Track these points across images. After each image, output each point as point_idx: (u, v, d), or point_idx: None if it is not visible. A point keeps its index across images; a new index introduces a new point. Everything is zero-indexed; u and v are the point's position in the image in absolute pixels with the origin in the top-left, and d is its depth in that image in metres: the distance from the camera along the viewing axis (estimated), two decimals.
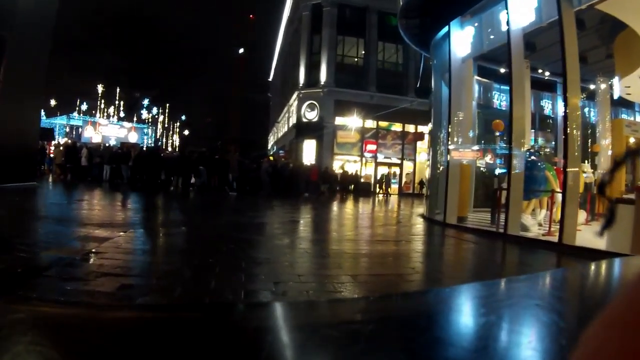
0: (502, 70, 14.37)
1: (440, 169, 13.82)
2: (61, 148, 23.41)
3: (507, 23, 10.48)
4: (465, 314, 1.74)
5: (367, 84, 38.13)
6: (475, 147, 13.81)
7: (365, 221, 13.67)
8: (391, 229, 11.83)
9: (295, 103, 40.31)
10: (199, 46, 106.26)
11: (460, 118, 12.87)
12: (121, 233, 7.04)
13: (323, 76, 37.87)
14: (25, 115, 15.16)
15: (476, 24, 12.44)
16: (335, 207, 19.19)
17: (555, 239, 8.98)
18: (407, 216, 16.00)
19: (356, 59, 39.82)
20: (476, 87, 15.01)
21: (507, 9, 10.46)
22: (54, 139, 34.93)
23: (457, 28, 12.88)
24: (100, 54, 70.73)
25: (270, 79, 76.04)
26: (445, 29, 13.16)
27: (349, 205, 20.78)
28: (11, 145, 13.67)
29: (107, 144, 34.08)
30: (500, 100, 16.57)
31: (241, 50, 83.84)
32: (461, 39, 12.71)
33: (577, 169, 9.11)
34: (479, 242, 9.70)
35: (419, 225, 12.69)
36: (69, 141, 29.55)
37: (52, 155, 26.24)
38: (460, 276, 6.07)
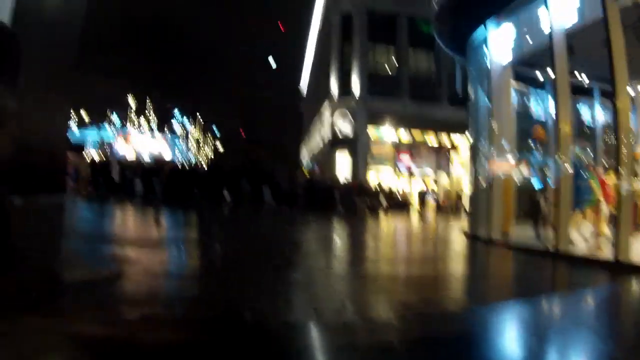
0: (539, 74, 13.61)
1: (482, 182, 13.07)
2: (88, 162, 23.30)
3: (549, 24, 9.73)
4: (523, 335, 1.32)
5: (400, 92, 37.34)
6: (517, 158, 12.99)
7: (406, 238, 13.08)
8: (434, 247, 11.16)
9: (328, 114, 39.75)
10: (229, 54, 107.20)
11: (501, 127, 12.09)
12: (150, 251, 6.59)
13: (355, 85, 37.26)
14: (52, 123, 14.90)
15: (514, 25, 11.67)
16: (373, 223, 18.55)
17: (607, 255, 8.29)
18: (448, 233, 15.31)
19: (388, 68, 39.10)
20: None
21: (547, 8, 9.72)
22: (84, 152, 35.02)
23: (494, 28, 12.14)
24: (130, 62, 71.63)
25: (301, 89, 75.74)
26: (482, 31, 12.44)
27: (388, 221, 20.13)
28: (37, 154, 13.40)
29: (140, 161, 34.09)
30: (537, 106, 15.63)
31: (272, 61, 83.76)
32: (499, 42, 11.95)
33: (630, 179, 8.29)
34: (528, 261, 9.01)
35: (462, 243, 12.00)
36: (100, 156, 29.57)
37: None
38: (516, 298, 5.59)
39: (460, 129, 35.17)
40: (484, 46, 12.68)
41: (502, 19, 11.97)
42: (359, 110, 36.73)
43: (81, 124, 59.75)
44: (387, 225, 18.11)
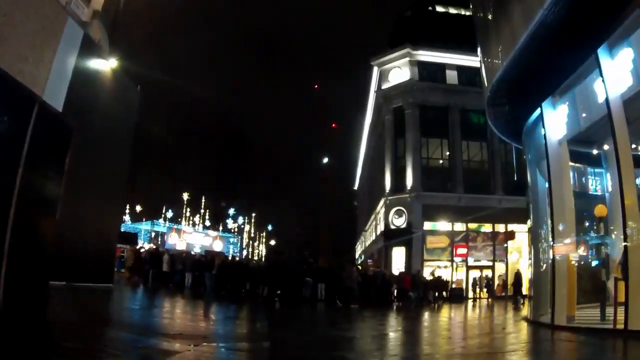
0: (595, 152, 13.01)
1: (544, 266, 12.22)
2: (132, 252, 23.47)
3: (605, 93, 9.27)
4: None
5: (454, 185, 36.85)
6: (578, 238, 12.09)
7: (466, 330, 12.12)
8: (496, 337, 10.24)
9: (382, 210, 39.54)
10: (286, 157, 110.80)
11: (561, 208, 11.37)
12: (193, 347, 6.16)
13: (409, 180, 37.03)
14: (106, 215, 15.22)
15: (569, 103, 11.22)
16: (430, 316, 17.53)
17: None
18: (509, 321, 14.20)
19: (441, 161, 38.98)
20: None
21: (602, 76, 9.28)
22: (136, 244, 35.59)
23: (549, 109, 11.74)
24: (188, 162, 74.24)
25: (355, 188, 76.28)
26: (537, 112, 12.06)
27: (445, 313, 19.00)
28: (89, 245, 13.57)
29: (191, 252, 34.34)
30: (595, 184, 14.77)
31: (326, 160, 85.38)
32: (555, 121, 11.47)
33: None
34: (599, 344, 8.03)
35: (525, 331, 10.98)
36: (152, 246, 29.90)
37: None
38: None
39: (515, 217, 34.36)
40: (539, 128, 12.27)
41: (557, 99, 11.61)
42: (413, 204, 36.31)
43: (136, 218, 61.41)
44: (446, 317, 17.03)
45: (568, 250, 11.08)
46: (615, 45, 9.25)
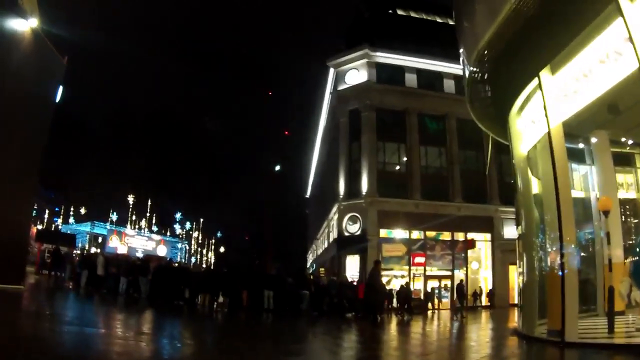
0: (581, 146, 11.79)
1: (536, 274, 10.79)
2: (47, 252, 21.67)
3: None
4: None
5: (412, 191, 35.62)
6: (577, 242, 10.67)
7: (451, 348, 10.51)
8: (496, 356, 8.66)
9: (336, 216, 37.94)
10: (234, 158, 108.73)
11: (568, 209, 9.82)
12: None
13: (364, 185, 35.63)
14: (10, 200, 12.77)
15: (571, 72, 9.60)
16: (398, 330, 15.89)
17: None
18: (494, 336, 12.70)
19: (398, 166, 37.86)
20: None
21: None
22: (74, 246, 33.65)
23: (548, 83, 9.99)
24: (132, 161, 71.92)
25: (307, 196, 74.76)
26: (528, 89, 10.56)
27: (414, 327, 17.46)
28: None
29: (129, 255, 32.05)
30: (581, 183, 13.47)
31: (277, 167, 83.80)
32: (555, 96, 9.76)
33: None
34: None
35: (526, 350, 9.43)
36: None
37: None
38: None
39: (475, 225, 34.30)
40: (533, 107, 10.85)
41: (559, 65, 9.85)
42: (368, 211, 34.92)
43: (80, 220, 58.90)
44: (416, 331, 15.44)
45: (566, 255, 9.50)
46: None
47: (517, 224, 12.95)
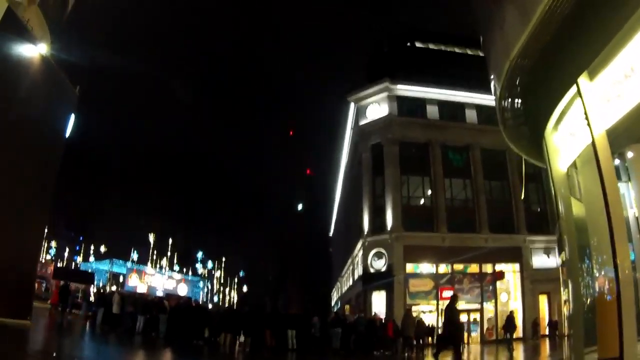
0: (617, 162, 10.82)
1: (587, 301, 9.86)
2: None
3: None
4: None
5: (438, 224, 34.74)
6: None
7: None
8: None
9: (361, 252, 37.20)
10: (257, 198, 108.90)
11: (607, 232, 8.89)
12: None
13: (389, 220, 34.87)
14: (18, 233, 12.27)
15: (608, 82, 8.74)
16: None
17: None
18: None
19: (423, 200, 37.05)
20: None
21: None
22: (92, 283, 33.36)
23: (588, 89, 9.06)
24: (154, 199, 72.48)
25: (330, 234, 73.88)
26: (566, 99, 9.77)
27: None
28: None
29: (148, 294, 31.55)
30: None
31: (300, 207, 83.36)
32: (594, 103, 8.88)
33: None
34: None
35: None
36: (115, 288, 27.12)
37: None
38: None
39: (502, 256, 33.54)
40: (570, 119, 10.08)
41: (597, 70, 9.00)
42: (394, 246, 34.07)
43: (100, 258, 58.98)
44: None
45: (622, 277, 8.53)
46: None
47: (560, 251, 12.06)
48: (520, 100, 11.40)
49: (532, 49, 8.99)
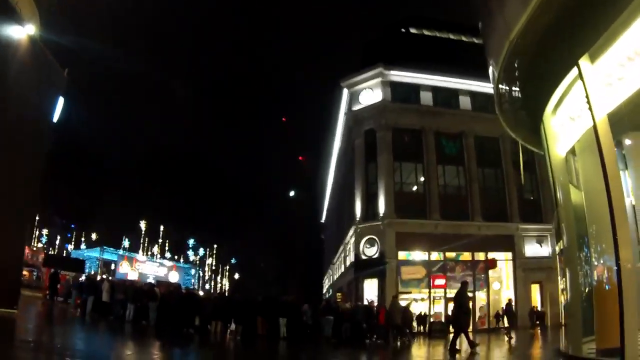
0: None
1: (585, 290, 9.70)
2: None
3: None
4: None
5: (430, 212, 34.51)
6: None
7: None
8: None
9: (353, 239, 36.95)
10: (248, 185, 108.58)
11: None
12: None
13: (382, 207, 34.58)
14: (4, 229, 11.92)
15: (610, 65, 8.50)
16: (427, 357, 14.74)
17: None
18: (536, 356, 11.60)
19: (415, 186, 36.73)
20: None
21: None
22: (82, 271, 33.10)
23: (589, 71, 8.83)
24: (150, 191, 72.11)
25: (322, 220, 73.65)
26: (566, 81, 9.53)
27: (439, 352, 16.26)
28: None
29: (138, 281, 31.33)
30: None
31: (292, 193, 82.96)
32: (596, 88, 8.62)
33: None
34: None
35: None
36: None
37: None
38: None
39: (495, 245, 33.64)
40: (571, 103, 9.82)
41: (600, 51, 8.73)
42: (386, 233, 33.86)
43: (92, 245, 58.73)
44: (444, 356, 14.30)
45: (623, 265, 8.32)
46: None
47: (558, 239, 11.94)
48: (518, 84, 11.17)
49: (532, 29, 8.73)
